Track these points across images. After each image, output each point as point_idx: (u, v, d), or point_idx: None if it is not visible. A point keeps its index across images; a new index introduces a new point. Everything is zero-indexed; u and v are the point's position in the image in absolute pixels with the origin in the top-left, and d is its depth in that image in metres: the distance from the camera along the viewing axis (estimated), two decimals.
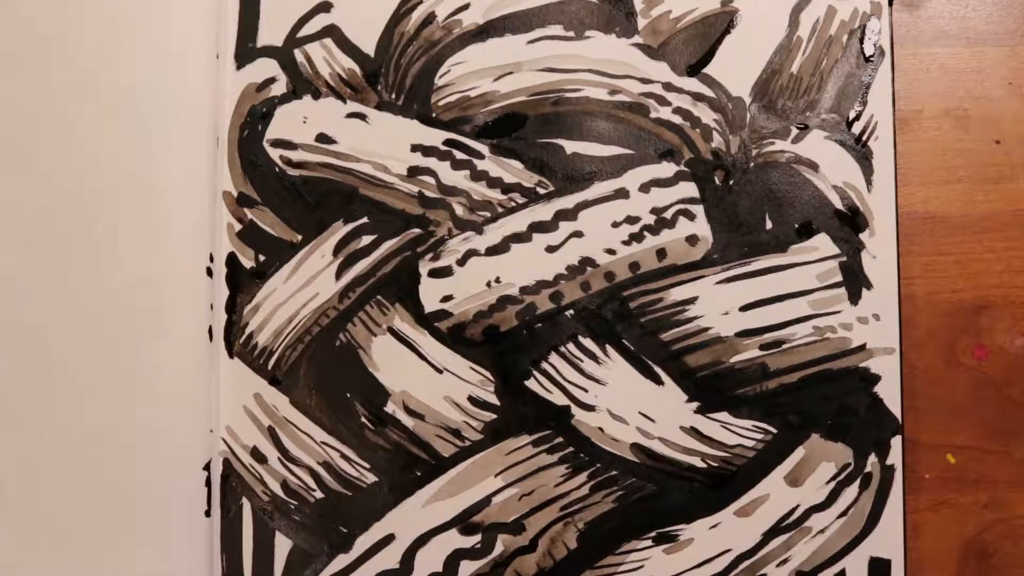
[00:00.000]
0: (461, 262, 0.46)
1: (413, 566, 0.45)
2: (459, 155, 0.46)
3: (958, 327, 0.46)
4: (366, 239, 0.46)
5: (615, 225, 0.46)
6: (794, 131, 0.46)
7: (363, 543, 0.45)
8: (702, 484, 0.45)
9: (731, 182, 0.46)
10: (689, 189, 0.46)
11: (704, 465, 0.45)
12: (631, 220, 0.46)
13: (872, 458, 0.45)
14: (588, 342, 0.45)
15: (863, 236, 0.45)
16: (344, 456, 0.45)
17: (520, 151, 0.46)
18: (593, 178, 0.46)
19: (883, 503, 0.45)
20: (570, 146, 0.46)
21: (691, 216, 0.46)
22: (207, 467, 0.45)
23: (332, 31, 0.47)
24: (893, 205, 0.45)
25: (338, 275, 0.46)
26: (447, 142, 0.46)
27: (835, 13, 0.46)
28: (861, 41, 0.46)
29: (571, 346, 0.45)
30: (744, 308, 0.45)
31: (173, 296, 0.45)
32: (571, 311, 0.46)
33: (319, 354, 0.46)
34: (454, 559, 0.45)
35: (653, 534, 0.45)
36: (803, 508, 0.45)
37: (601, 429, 0.45)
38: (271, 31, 0.47)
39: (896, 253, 0.45)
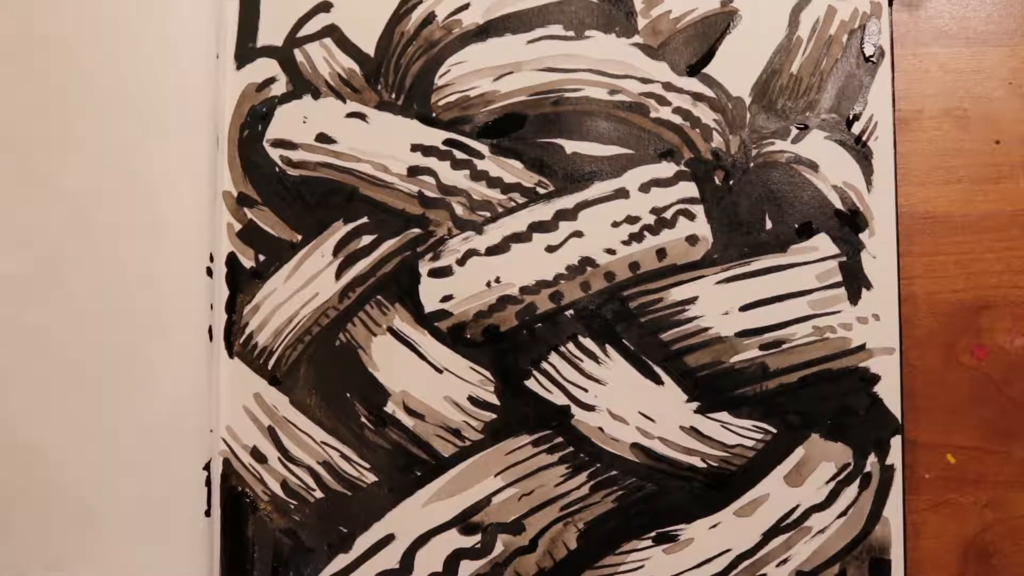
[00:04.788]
0: (461, 262, 0.46)
1: (413, 566, 0.45)
2: (459, 155, 0.46)
3: (958, 327, 0.46)
4: (366, 239, 0.46)
5: (615, 225, 0.46)
6: (794, 131, 0.46)
7: (363, 543, 0.45)
8: (702, 484, 0.45)
9: (731, 182, 0.46)
10: (689, 189, 0.46)
11: (704, 465, 0.45)
12: (631, 220, 0.46)
13: (872, 458, 0.45)
14: (588, 342, 0.45)
15: (863, 236, 0.45)
16: (344, 456, 0.45)
17: (520, 151, 0.46)
18: (593, 178, 0.46)
19: (883, 503, 0.45)
20: (570, 146, 0.46)
21: (691, 216, 0.46)
22: (207, 467, 0.45)
23: (332, 31, 0.47)
24: (893, 205, 0.46)
25: (338, 275, 0.46)
26: (447, 142, 0.46)
27: (835, 13, 0.46)
28: (861, 41, 0.46)
29: (571, 346, 0.45)
30: (744, 308, 0.45)
31: (173, 296, 0.45)
32: (571, 311, 0.46)
33: (319, 354, 0.46)
34: (454, 559, 0.45)
35: (653, 534, 0.45)
36: (803, 508, 0.45)
37: (601, 429, 0.45)
38: (271, 31, 0.47)
39: (896, 253, 0.45)
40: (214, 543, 0.45)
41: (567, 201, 0.46)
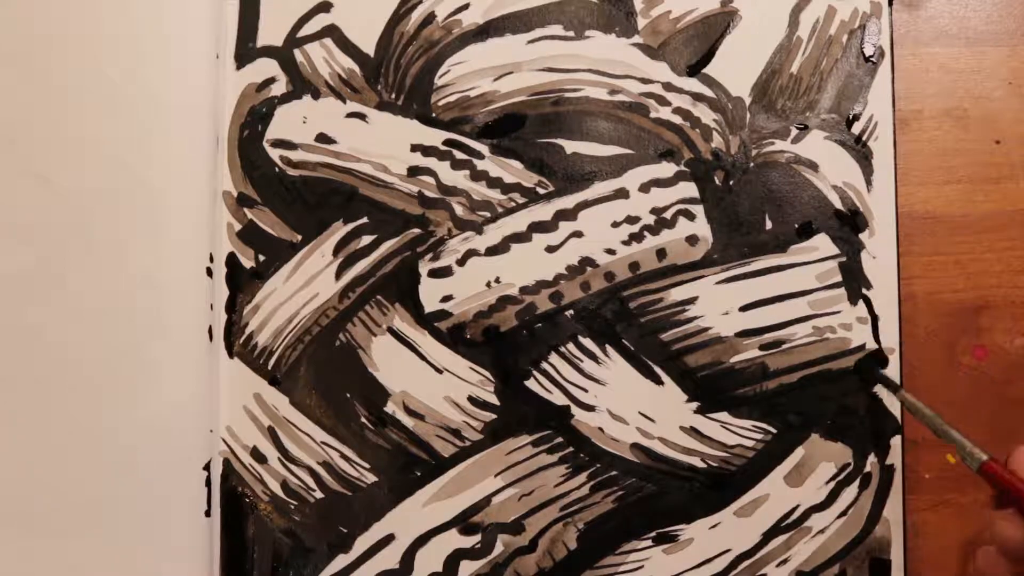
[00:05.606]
0: (461, 262, 0.46)
1: (413, 566, 0.45)
2: (459, 155, 0.46)
3: (958, 327, 0.46)
4: (366, 239, 0.46)
5: (615, 225, 0.46)
6: (794, 131, 0.46)
7: (363, 543, 0.45)
8: (702, 484, 0.45)
9: (731, 182, 0.46)
10: (689, 189, 0.46)
11: (704, 465, 0.45)
12: (631, 220, 0.46)
13: (872, 458, 0.45)
14: (588, 342, 0.45)
15: (863, 236, 0.45)
16: (344, 456, 0.45)
17: (520, 151, 0.46)
18: (593, 178, 0.46)
19: (883, 503, 0.45)
20: (570, 146, 0.46)
21: (691, 216, 0.46)
22: (207, 467, 0.45)
23: (332, 31, 0.47)
24: (893, 205, 0.46)
25: (338, 275, 0.46)
26: (447, 142, 0.46)
27: (835, 13, 0.46)
28: (861, 41, 0.46)
29: (571, 346, 0.45)
30: (744, 308, 0.45)
31: (173, 296, 0.45)
32: (571, 311, 0.46)
33: (319, 354, 0.46)
34: (454, 559, 0.45)
35: (653, 534, 0.45)
36: (803, 508, 0.45)
37: (601, 429, 0.45)
38: (271, 31, 0.47)
39: (896, 253, 0.45)
40: (214, 543, 0.45)
41: (567, 201, 0.46)
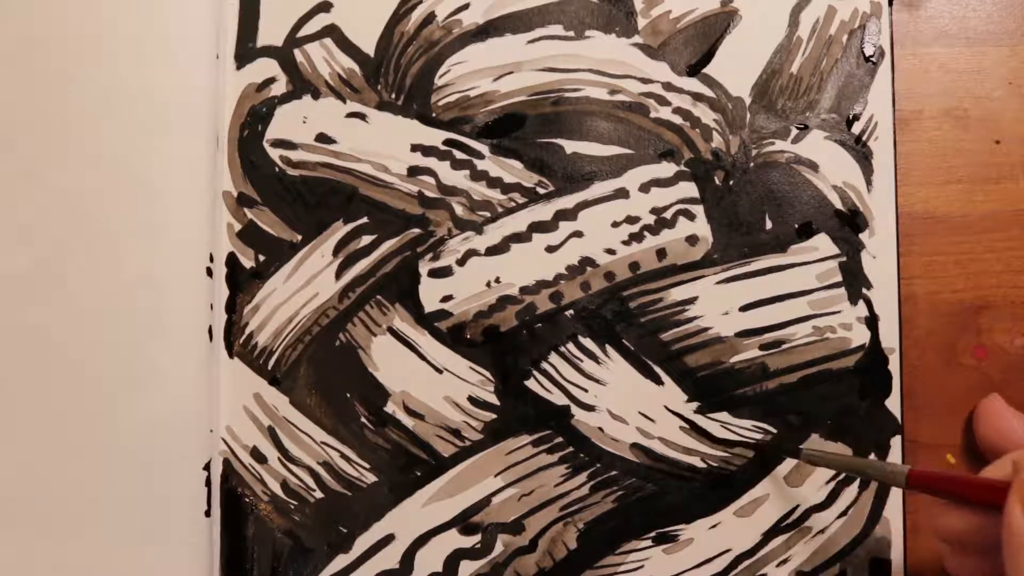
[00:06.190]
0: (461, 262, 0.46)
1: (413, 566, 0.45)
2: (459, 155, 0.46)
3: (958, 327, 0.46)
4: (366, 239, 0.46)
5: (615, 225, 0.46)
6: (794, 131, 0.46)
7: (363, 543, 0.45)
8: (702, 484, 0.45)
9: (731, 182, 0.46)
10: (689, 189, 0.46)
11: (704, 465, 0.45)
12: (631, 220, 0.46)
13: (872, 458, 0.45)
14: (588, 342, 0.45)
15: (863, 236, 0.45)
16: (344, 456, 0.45)
17: (520, 151, 0.46)
18: (593, 178, 0.46)
19: (883, 503, 0.45)
20: (570, 146, 0.46)
21: (691, 216, 0.46)
22: (207, 467, 0.45)
23: (332, 31, 0.47)
24: (893, 205, 0.45)
25: (338, 275, 0.46)
26: (447, 142, 0.46)
27: (835, 13, 0.46)
28: (861, 41, 0.46)
29: (571, 346, 0.45)
30: (744, 308, 0.45)
31: (173, 296, 0.45)
32: (571, 311, 0.46)
33: (319, 354, 0.46)
34: (454, 559, 0.45)
35: (653, 534, 0.45)
36: (803, 508, 0.45)
37: (601, 429, 0.45)
38: (271, 31, 0.47)
39: (896, 253, 0.45)
40: (214, 543, 0.45)
41: (567, 201, 0.46)
